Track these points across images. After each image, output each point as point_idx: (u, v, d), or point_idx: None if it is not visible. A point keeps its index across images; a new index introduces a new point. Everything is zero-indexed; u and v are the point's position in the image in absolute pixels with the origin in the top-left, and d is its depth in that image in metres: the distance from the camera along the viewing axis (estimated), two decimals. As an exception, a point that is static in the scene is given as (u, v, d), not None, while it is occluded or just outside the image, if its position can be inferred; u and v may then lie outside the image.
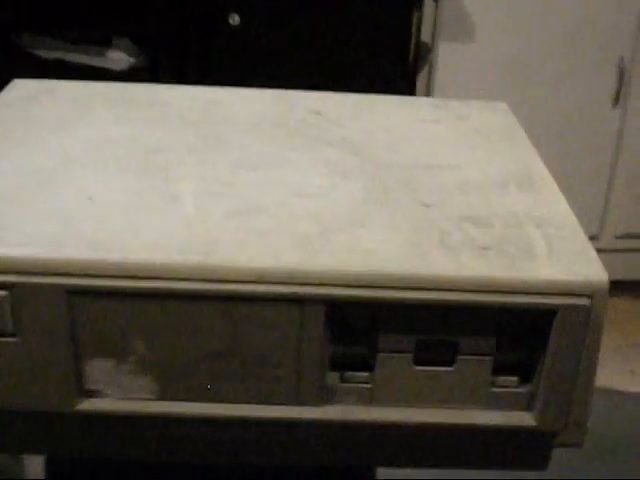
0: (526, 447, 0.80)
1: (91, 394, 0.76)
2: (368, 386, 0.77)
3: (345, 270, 0.72)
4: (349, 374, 0.77)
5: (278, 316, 0.72)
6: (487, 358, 0.76)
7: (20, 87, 1.06)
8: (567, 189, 0.89)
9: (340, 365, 0.77)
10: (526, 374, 0.77)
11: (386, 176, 0.87)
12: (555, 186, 0.88)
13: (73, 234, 0.74)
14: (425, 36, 3.01)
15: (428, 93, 3.13)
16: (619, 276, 3.22)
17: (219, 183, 0.84)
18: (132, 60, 2.78)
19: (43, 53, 2.75)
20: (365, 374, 0.77)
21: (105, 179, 0.84)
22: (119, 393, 0.76)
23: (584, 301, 0.72)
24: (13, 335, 0.73)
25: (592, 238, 3.12)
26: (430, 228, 0.78)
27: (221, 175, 0.85)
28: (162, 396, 0.76)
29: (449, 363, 0.76)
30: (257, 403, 0.76)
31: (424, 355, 0.76)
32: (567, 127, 3.21)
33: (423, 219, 0.80)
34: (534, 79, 3.13)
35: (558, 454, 0.82)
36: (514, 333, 0.76)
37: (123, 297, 0.72)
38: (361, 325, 0.75)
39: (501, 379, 0.77)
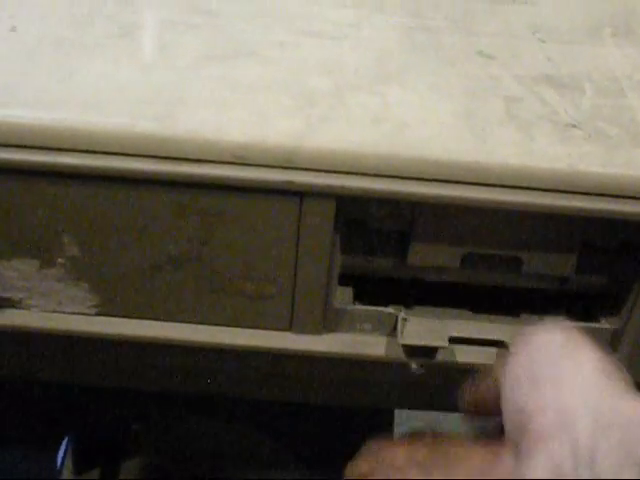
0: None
1: (8, 304, 0.55)
2: (390, 310, 0.55)
3: (365, 151, 0.49)
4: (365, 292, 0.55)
5: (267, 212, 0.50)
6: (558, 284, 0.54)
7: None
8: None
9: (354, 282, 0.55)
10: (612, 306, 0.56)
11: (432, 11, 0.62)
12: (665, 36, 0.63)
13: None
14: None
15: None
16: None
17: (196, 11, 0.59)
18: None
19: None
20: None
21: (35, 1, 0.59)
22: (45, 305, 0.55)
23: None
24: None
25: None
26: (492, 91, 0.54)
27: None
28: (102, 312, 0.55)
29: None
30: (234, 326, 0.55)
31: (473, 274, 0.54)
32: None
33: (482, 77, 0.55)
34: None
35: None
36: (600, 251, 0.53)
37: (45, 177, 0.50)
38: (387, 228, 0.53)
39: (578, 310, 0.55)
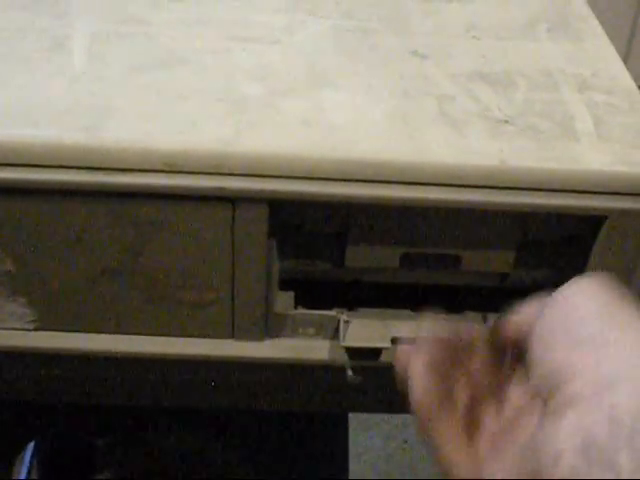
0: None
1: (-55, 321, 0.54)
2: (332, 313, 0.55)
3: (296, 154, 0.49)
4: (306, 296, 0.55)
5: (200, 219, 0.50)
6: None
7: None
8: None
9: (295, 286, 0.55)
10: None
11: (367, 13, 0.62)
12: (601, 29, 0.64)
13: None
14: None
15: None
16: None
17: (128, 21, 0.59)
18: None
19: None
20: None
21: (-35, 13, 0.59)
22: (-18, 321, 0.54)
23: (646, 204, 0.49)
24: None
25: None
26: (425, 90, 0.54)
27: (131, 8, 0.60)
28: (42, 326, 0.54)
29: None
30: (176, 336, 0.54)
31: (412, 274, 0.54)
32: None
33: (415, 76, 0.55)
34: None
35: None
36: (540, 246, 0.53)
37: (-26, 191, 0.49)
38: (323, 231, 0.52)
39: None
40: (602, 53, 0.60)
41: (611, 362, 0.32)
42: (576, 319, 0.34)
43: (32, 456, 1.13)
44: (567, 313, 0.35)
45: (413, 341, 0.39)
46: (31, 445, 1.11)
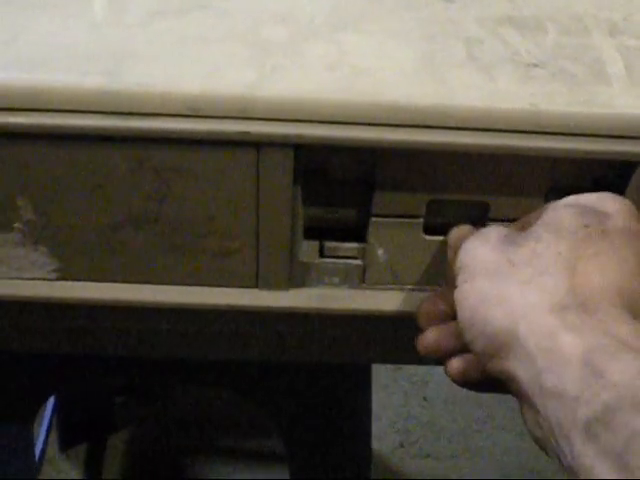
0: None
1: (-34, 271, 0.54)
2: (358, 262, 0.54)
3: (323, 98, 0.48)
4: (331, 245, 0.54)
5: (224, 165, 0.49)
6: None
7: None
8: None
9: (319, 234, 0.54)
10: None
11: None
12: (632, -26, 0.62)
13: None
14: None
15: None
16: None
17: (147, -35, 0.57)
18: None
19: None
20: (354, 245, 0.54)
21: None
22: (4, 271, 0.54)
23: (682, 149, 0.48)
24: None
25: None
26: (453, 34, 0.53)
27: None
28: (63, 276, 0.54)
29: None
30: (199, 285, 0.54)
31: (439, 221, 0.53)
32: None
33: (443, 20, 0.54)
34: None
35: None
36: (570, 193, 0.52)
37: (-6, 136, 0.48)
38: (349, 178, 0.52)
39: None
40: (633, -3, 0.58)
41: None
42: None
43: (52, 412, 1.14)
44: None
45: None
46: (51, 400, 1.11)
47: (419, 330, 0.49)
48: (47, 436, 1.15)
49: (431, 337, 0.48)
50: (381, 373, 1.41)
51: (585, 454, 0.34)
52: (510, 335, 0.39)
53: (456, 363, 0.46)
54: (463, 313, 0.42)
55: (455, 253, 0.46)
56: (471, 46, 0.52)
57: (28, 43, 0.50)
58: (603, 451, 0.34)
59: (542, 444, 0.39)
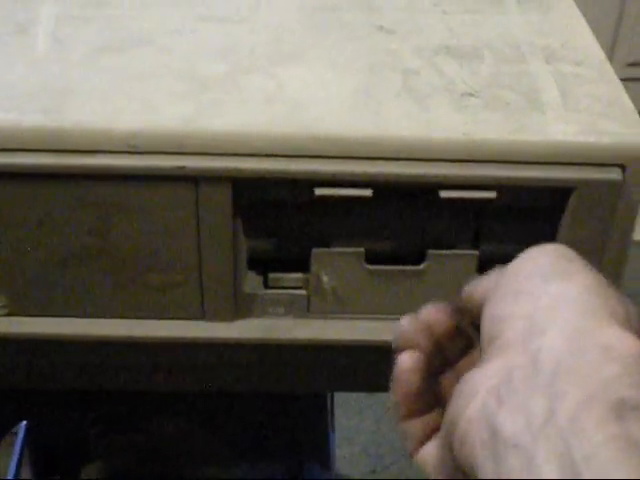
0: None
1: None
2: (302, 292, 0.55)
3: (260, 132, 0.48)
4: (275, 276, 0.55)
5: (164, 199, 0.50)
6: (471, 252, 0.53)
7: None
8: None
9: (266, 265, 0.55)
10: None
11: (335, -10, 0.62)
12: (571, 0, 0.63)
13: None
14: None
15: None
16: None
17: (92, 4, 0.58)
18: None
19: None
20: (299, 275, 0.54)
21: None
22: (-49, 308, 0.54)
23: (613, 174, 0.49)
24: None
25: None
26: (391, 65, 0.54)
27: (95, -9, 0.60)
28: (12, 311, 0.54)
29: (415, 260, 0.54)
30: (146, 318, 0.54)
31: (381, 250, 0.53)
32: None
33: (381, 52, 0.55)
34: None
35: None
36: (505, 219, 0.53)
37: None
38: (289, 209, 0.52)
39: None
40: (572, 24, 0.59)
41: (545, 312, 0.32)
42: (520, 278, 0.34)
43: (22, 443, 1.14)
44: (517, 272, 0.35)
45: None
46: (23, 427, 1.11)
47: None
48: (18, 469, 1.14)
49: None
50: (354, 398, 1.41)
51: None
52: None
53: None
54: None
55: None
56: (408, 77, 0.53)
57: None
58: None
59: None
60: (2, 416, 0.84)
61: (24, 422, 1.09)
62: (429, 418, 0.40)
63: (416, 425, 0.40)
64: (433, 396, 0.40)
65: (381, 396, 1.46)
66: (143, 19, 0.57)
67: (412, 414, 0.40)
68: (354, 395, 1.40)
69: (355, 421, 1.39)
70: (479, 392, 0.31)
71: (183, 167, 0.47)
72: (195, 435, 0.97)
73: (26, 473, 1.19)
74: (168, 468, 1.09)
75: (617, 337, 0.31)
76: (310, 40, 0.56)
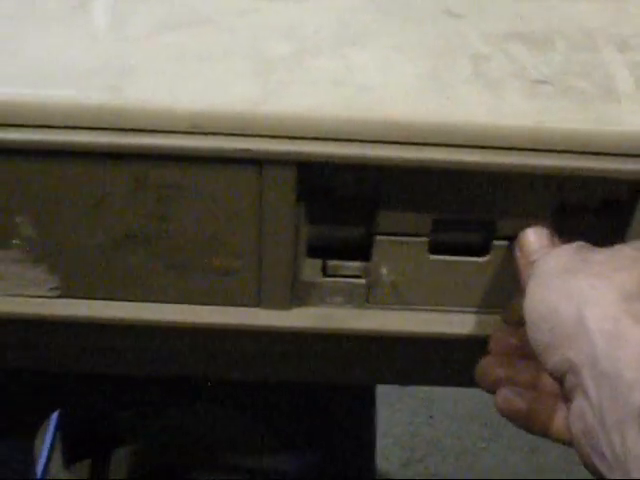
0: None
1: (-35, 288, 0.53)
2: (362, 281, 0.53)
3: (327, 115, 0.47)
4: (335, 263, 0.53)
5: (226, 182, 0.48)
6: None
7: None
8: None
9: (322, 253, 0.53)
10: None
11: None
12: (642, -12, 0.61)
13: None
14: None
15: None
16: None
17: (151, -20, 0.57)
18: None
19: None
20: (358, 264, 0.53)
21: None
22: (4, 288, 0.53)
23: (693, 167, 0.47)
24: None
25: None
26: (460, 50, 0.52)
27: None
28: (64, 293, 0.53)
29: (480, 252, 0.52)
30: (200, 304, 0.53)
31: (444, 240, 0.52)
32: None
33: (450, 36, 0.53)
34: None
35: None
36: (578, 212, 0.51)
37: (-6, 153, 0.47)
38: (353, 196, 0.51)
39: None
40: (644, 11, 0.57)
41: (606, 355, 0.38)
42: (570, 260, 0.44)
43: (55, 427, 1.13)
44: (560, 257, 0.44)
45: None
46: (54, 416, 1.11)
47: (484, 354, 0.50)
48: (50, 452, 1.14)
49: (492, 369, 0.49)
50: (387, 391, 1.40)
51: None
52: (576, 323, 0.40)
53: (504, 390, 0.48)
54: (531, 312, 0.43)
55: (528, 262, 0.47)
56: (478, 62, 0.51)
57: (31, 57, 0.49)
58: None
59: (579, 440, 0.40)
60: (36, 402, 0.83)
61: (56, 413, 1.09)
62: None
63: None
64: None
65: (414, 388, 1.46)
66: (202, -3, 0.56)
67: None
68: (387, 387, 1.40)
69: (388, 413, 1.38)
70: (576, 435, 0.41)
71: (248, 149, 0.46)
72: (234, 422, 0.96)
73: (58, 457, 1.19)
74: (201, 454, 1.08)
75: None
76: (375, 22, 0.54)
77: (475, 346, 0.52)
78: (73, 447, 1.22)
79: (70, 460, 1.23)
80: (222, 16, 0.53)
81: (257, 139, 0.46)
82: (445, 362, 0.57)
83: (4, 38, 0.50)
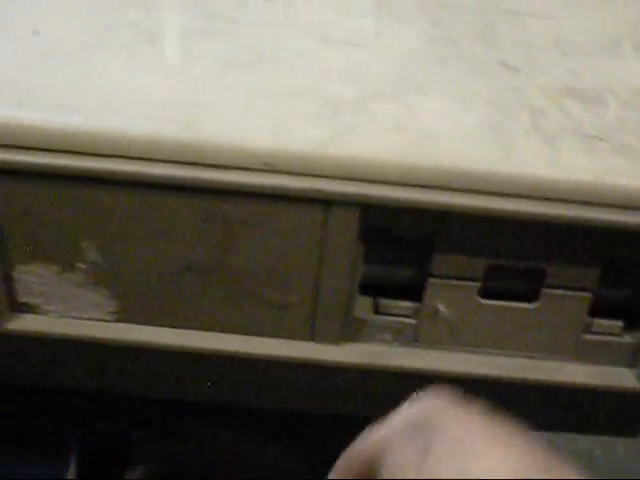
0: (621, 411, 0.58)
1: (26, 309, 0.54)
2: (412, 321, 0.55)
3: (390, 160, 0.48)
4: (387, 302, 0.55)
5: (293, 219, 0.50)
6: (584, 294, 0.53)
7: None
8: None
9: (375, 291, 0.55)
10: (633, 319, 0.55)
11: (452, 21, 0.62)
12: (687, 49, 0.63)
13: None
14: None
15: None
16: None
17: (215, 18, 0.59)
18: None
19: None
20: (409, 304, 0.54)
21: (57, 3, 0.59)
22: (63, 310, 0.54)
23: None
24: None
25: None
26: (516, 102, 0.54)
27: (219, 7, 0.61)
28: (121, 318, 0.54)
29: (530, 298, 0.54)
30: (255, 335, 0.54)
31: (495, 285, 0.54)
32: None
33: (506, 88, 0.55)
34: None
35: None
36: (623, 264, 0.53)
37: (67, 181, 0.49)
38: (409, 238, 0.52)
39: (600, 323, 0.55)
40: (690, 73, 0.59)
41: None
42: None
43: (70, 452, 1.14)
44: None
45: None
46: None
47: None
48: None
49: None
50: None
51: None
52: None
53: None
54: None
55: None
56: (535, 115, 0.53)
57: (104, 87, 0.51)
58: None
59: None
60: (54, 419, 0.84)
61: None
62: None
63: None
64: None
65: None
66: (266, 38, 0.58)
67: None
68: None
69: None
70: None
71: (319, 190, 0.48)
72: (249, 447, 0.97)
73: (72, 474, 1.19)
74: (213, 477, 1.09)
75: None
76: (434, 70, 0.56)
77: (522, 390, 0.54)
78: (88, 467, 1.23)
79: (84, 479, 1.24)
80: (285, 57, 0.55)
81: (325, 180, 0.48)
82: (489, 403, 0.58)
83: (77, 68, 0.52)
